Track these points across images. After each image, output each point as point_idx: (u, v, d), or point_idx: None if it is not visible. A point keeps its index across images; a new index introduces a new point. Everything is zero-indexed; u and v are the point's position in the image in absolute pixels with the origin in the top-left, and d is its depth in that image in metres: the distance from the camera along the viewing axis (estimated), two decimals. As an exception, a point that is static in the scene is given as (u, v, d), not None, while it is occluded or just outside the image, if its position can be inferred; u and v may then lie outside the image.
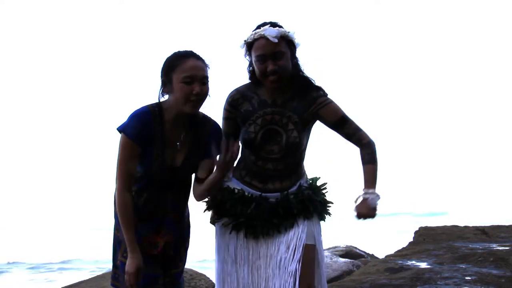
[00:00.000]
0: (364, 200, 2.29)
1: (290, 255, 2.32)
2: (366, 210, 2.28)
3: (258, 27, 2.32)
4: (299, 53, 2.40)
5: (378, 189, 2.33)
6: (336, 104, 2.40)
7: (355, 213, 2.30)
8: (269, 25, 2.31)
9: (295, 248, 2.32)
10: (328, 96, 2.42)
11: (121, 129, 2.26)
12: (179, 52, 2.28)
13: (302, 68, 2.41)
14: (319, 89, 2.42)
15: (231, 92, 2.46)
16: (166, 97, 2.31)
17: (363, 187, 2.33)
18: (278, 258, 2.34)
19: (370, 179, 2.34)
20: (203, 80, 2.24)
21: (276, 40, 2.26)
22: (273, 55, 2.28)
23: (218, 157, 2.35)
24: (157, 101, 2.31)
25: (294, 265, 2.30)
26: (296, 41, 2.36)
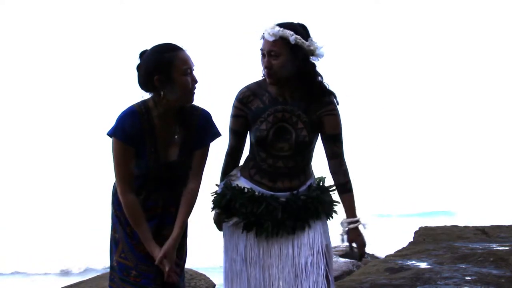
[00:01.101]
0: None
1: (318, 258, 2.35)
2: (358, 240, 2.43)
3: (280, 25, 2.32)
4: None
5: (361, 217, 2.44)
6: (340, 119, 2.42)
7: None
8: (274, 24, 2.31)
9: (321, 251, 2.36)
10: (338, 107, 2.43)
11: (111, 134, 2.25)
12: (163, 47, 2.25)
13: (317, 73, 2.39)
14: (332, 94, 2.42)
15: (241, 89, 2.46)
16: (146, 95, 2.29)
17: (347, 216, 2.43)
18: (303, 260, 2.36)
19: (351, 206, 2.44)
20: (193, 69, 2.27)
21: (270, 39, 2.29)
22: (269, 53, 2.31)
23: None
24: (142, 99, 2.29)
25: (324, 268, 2.34)
26: (310, 48, 2.32)
